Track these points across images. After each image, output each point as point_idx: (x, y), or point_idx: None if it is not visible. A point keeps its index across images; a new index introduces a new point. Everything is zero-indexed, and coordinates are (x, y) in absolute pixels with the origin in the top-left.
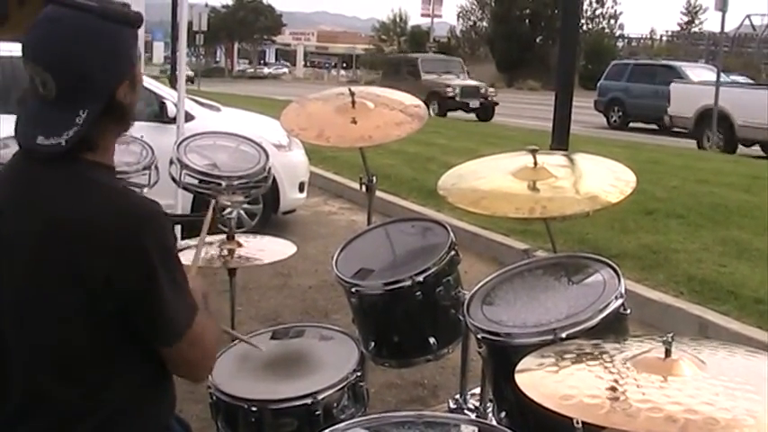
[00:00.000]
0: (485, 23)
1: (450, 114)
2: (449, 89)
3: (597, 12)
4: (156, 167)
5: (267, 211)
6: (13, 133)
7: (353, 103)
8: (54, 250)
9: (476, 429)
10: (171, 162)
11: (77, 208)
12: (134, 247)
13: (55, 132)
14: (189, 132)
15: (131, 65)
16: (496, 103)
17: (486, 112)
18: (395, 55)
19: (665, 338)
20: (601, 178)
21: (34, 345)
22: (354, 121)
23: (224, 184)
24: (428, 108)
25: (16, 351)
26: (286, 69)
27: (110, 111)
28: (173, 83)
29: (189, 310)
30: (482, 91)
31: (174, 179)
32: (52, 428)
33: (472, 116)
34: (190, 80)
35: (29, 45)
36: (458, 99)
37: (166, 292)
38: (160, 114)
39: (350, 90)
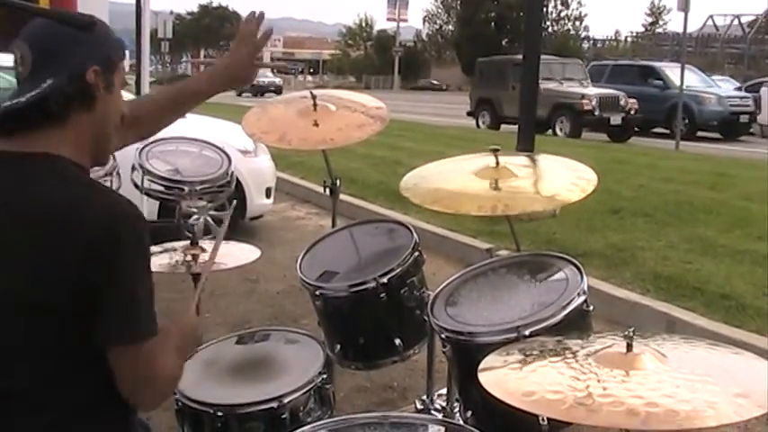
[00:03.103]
0: (450, 27)
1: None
2: (585, 101)
3: (562, 14)
4: (119, 173)
5: (234, 218)
6: None
7: (315, 105)
8: (21, 243)
9: (442, 429)
10: (133, 168)
11: (52, 199)
12: (110, 242)
13: (19, 96)
14: (152, 138)
15: (106, 57)
16: (639, 119)
17: (625, 130)
18: (496, 57)
19: (626, 333)
20: (562, 177)
21: None
22: (316, 124)
23: (187, 189)
24: (549, 127)
25: None
26: None
27: (75, 87)
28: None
29: (152, 321)
30: (622, 102)
31: (136, 185)
32: (6, 423)
33: (601, 136)
34: (276, 91)
35: (21, 30)
36: (596, 114)
37: (136, 291)
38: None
39: (311, 93)
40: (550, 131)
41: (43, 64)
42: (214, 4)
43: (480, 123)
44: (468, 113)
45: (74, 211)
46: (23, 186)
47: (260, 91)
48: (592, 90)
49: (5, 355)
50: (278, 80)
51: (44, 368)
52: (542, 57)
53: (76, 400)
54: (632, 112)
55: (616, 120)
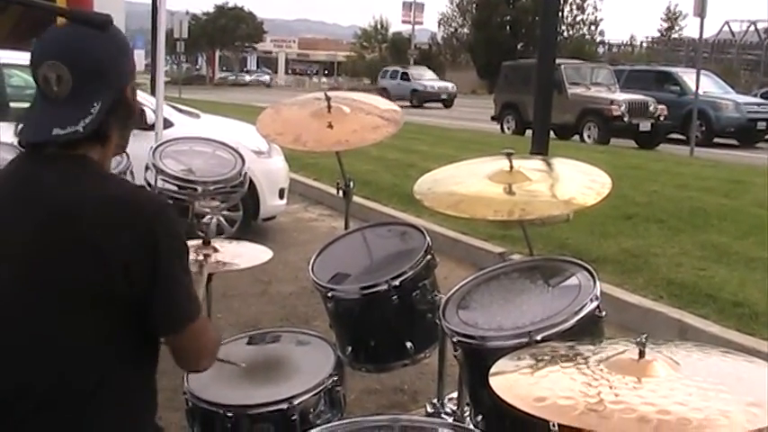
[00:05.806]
0: (466, 30)
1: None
2: (614, 106)
3: (578, 18)
4: (132, 173)
5: (247, 218)
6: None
7: (329, 107)
8: (58, 240)
9: None
10: (147, 167)
11: (86, 197)
12: (148, 234)
13: (71, 122)
14: (166, 138)
15: (132, 70)
16: (669, 125)
17: (654, 137)
18: (521, 61)
19: (638, 340)
20: (577, 181)
21: (33, 338)
22: (330, 126)
23: (200, 189)
24: (576, 132)
25: (11, 346)
26: (267, 77)
27: (118, 107)
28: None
29: (196, 302)
30: (651, 108)
31: (149, 184)
32: (41, 419)
33: (628, 142)
34: (447, 104)
35: (45, 44)
36: (625, 120)
37: (179, 280)
38: (139, 121)
39: (326, 95)
40: (578, 137)
41: (85, 86)
42: (230, 5)
43: (505, 129)
44: (493, 118)
45: (114, 207)
46: (62, 184)
47: (423, 100)
48: (620, 95)
49: (42, 347)
50: (450, 85)
51: (84, 363)
52: (570, 61)
53: (110, 397)
54: (661, 118)
55: (645, 126)
